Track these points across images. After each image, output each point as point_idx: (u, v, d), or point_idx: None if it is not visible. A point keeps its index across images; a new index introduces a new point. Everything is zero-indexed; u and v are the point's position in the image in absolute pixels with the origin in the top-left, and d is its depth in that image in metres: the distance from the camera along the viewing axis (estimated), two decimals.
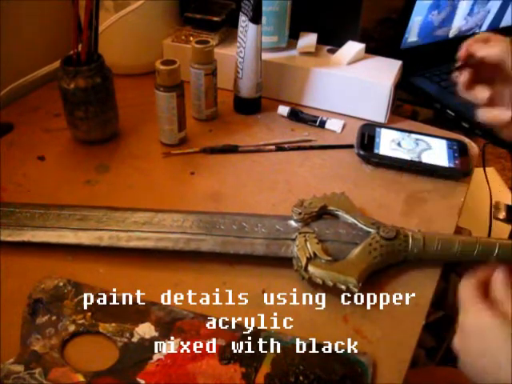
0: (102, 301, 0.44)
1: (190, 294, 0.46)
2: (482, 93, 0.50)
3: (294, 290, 0.47)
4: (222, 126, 0.71)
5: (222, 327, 0.43)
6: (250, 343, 0.41)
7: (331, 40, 0.77)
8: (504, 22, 0.97)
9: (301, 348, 0.41)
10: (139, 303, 0.44)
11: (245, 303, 0.46)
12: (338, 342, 0.42)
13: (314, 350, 0.41)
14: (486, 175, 0.73)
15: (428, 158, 0.63)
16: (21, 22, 0.72)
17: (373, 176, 0.63)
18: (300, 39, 0.77)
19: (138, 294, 0.45)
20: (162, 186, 0.60)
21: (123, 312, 0.44)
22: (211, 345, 0.41)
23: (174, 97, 0.61)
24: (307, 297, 0.47)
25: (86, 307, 0.44)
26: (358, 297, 0.46)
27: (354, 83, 0.71)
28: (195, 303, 0.45)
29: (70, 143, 0.66)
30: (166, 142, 0.66)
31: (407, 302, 0.47)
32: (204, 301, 0.46)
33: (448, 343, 0.95)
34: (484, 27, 0.95)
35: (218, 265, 0.49)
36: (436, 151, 0.65)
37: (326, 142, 0.68)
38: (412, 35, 0.83)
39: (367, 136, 0.66)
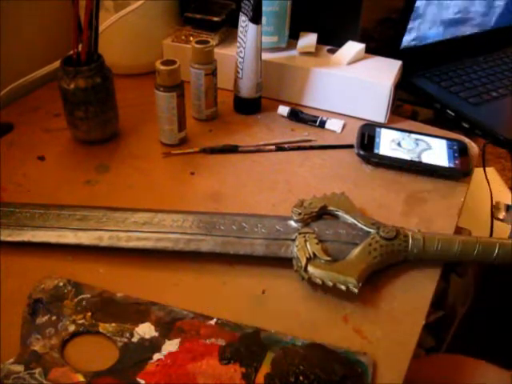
0: (102, 301, 0.44)
1: (190, 294, 0.47)
2: None
3: (294, 290, 0.47)
4: (222, 126, 0.71)
5: (222, 327, 0.43)
6: (250, 343, 0.41)
7: (331, 40, 0.77)
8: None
9: (301, 348, 0.41)
10: (139, 303, 0.44)
11: (245, 303, 0.46)
12: (337, 342, 0.42)
13: (314, 350, 0.41)
14: (486, 175, 0.73)
15: (428, 158, 0.63)
16: (21, 22, 0.72)
17: (373, 176, 0.63)
18: (300, 39, 0.77)
19: (138, 294, 0.45)
20: (162, 186, 0.60)
21: (123, 312, 0.44)
22: (211, 345, 0.41)
23: (174, 97, 0.61)
24: (307, 297, 0.47)
25: (85, 307, 0.44)
26: (358, 297, 0.46)
27: (354, 83, 0.71)
28: (195, 303, 0.45)
29: (70, 143, 0.66)
30: (166, 141, 0.66)
31: (407, 302, 0.47)
32: (204, 301, 0.46)
33: (448, 343, 0.95)
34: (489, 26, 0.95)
35: (217, 265, 0.49)
36: (436, 151, 0.65)
37: (326, 142, 0.68)
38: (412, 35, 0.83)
39: (367, 136, 0.66)
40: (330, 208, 0.53)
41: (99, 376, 0.39)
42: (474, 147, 0.68)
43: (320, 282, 0.46)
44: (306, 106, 0.75)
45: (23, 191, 0.57)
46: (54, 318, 0.43)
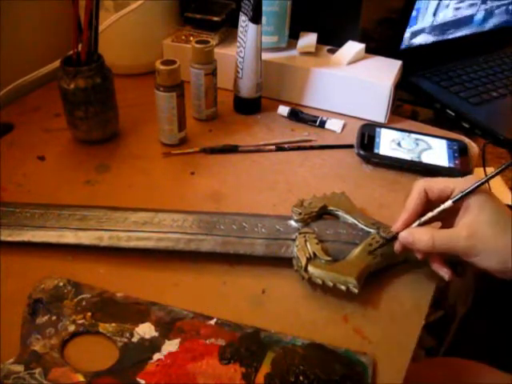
0: (102, 301, 0.44)
1: (190, 294, 0.47)
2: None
3: (294, 290, 0.47)
4: (222, 126, 0.71)
5: (222, 327, 0.43)
6: (250, 343, 0.41)
7: (331, 40, 0.77)
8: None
9: (301, 348, 0.41)
10: (139, 303, 0.44)
11: (245, 303, 0.46)
12: (337, 342, 0.42)
13: (314, 350, 0.41)
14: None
15: (428, 158, 0.63)
16: (21, 22, 0.72)
17: (373, 176, 0.63)
18: (300, 39, 0.77)
19: (138, 294, 0.45)
20: (162, 186, 0.60)
21: (123, 312, 0.44)
22: (211, 345, 0.41)
23: (174, 97, 0.61)
24: (307, 297, 0.47)
25: (85, 307, 0.44)
26: (358, 297, 0.46)
27: (354, 83, 0.71)
28: (195, 303, 0.45)
29: (70, 143, 0.66)
30: (166, 142, 0.66)
31: (407, 302, 0.47)
32: (204, 301, 0.46)
33: (448, 343, 0.95)
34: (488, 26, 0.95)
35: (217, 265, 0.49)
36: (436, 151, 0.65)
37: (325, 142, 0.68)
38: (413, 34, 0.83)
39: (367, 136, 0.66)
40: (330, 208, 0.53)
41: (99, 376, 0.39)
42: (474, 147, 0.68)
43: (320, 282, 0.46)
44: (306, 106, 0.75)
45: (23, 191, 0.57)
46: (53, 317, 0.43)
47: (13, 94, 0.73)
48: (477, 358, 0.66)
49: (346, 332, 0.44)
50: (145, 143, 0.66)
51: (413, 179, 0.61)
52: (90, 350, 0.41)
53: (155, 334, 0.42)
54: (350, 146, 0.66)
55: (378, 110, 0.71)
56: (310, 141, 0.68)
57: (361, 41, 0.75)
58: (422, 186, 0.46)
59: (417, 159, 0.63)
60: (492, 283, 0.85)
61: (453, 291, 0.96)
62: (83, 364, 0.40)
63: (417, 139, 0.67)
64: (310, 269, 0.46)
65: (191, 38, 0.77)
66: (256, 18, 0.65)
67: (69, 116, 0.63)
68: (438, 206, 0.45)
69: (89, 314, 0.43)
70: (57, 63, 0.63)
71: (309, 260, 0.47)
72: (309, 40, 0.76)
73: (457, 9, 0.86)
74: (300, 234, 0.49)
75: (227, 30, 0.79)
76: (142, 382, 0.39)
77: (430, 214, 0.45)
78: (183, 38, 0.78)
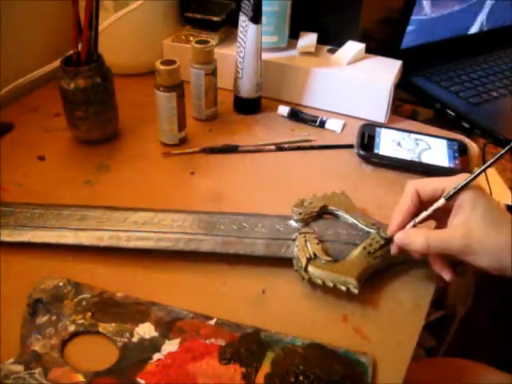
0: (102, 301, 0.44)
1: (189, 294, 0.46)
2: None
3: (294, 290, 0.47)
4: (222, 126, 0.71)
5: (221, 327, 0.43)
6: (250, 343, 0.41)
7: (331, 40, 0.77)
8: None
9: (301, 348, 0.41)
10: (139, 303, 0.44)
11: (245, 303, 0.46)
12: (337, 342, 0.42)
13: (314, 350, 0.41)
14: (486, 175, 0.73)
15: (428, 158, 0.63)
16: (21, 21, 0.72)
17: (373, 176, 0.63)
18: (300, 39, 0.77)
19: (138, 294, 0.45)
20: (162, 186, 0.60)
21: (123, 312, 0.44)
22: (211, 345, 0.41)
23: (174, 97, 0.61)
24: (307, 297, 0.47)
25: (85, 307, 0.44)
26: (358, 297, 0.46)
27: (354, 83, 0.71)
28: (195, 303, 0.45)
29: (70, 143, 0.66)
30: (166, 142, 0.66)
31: (407, 302, 0.47)
32: (204, 301, 0.46)
33: (448, 343, 0.95)
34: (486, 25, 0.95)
35: (217, 265, 0.49)
36: (436, 151, 0.65)
37: (325, 142, 0.68)
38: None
39: (367, 136, 0.66)
40: (331, 208, 0.53)
41: (99, 376, 0.39)
42: (474, 147, 0.68)
43: (320, 283, 0.46)
44: (306, 106, 0.75)
45: (23, 191, 0.57)
46: (53, 317, 0.43)
47: (13, 93, 0.73)
48: (477, 358, 0.66)
49: (345, 332, 0.44)
50: (145, 143, 0.66)
51: (413, 179, 0.62)
52: (90, 350, 0.41)
53: (155, 333, 0.42)
54: (350, 146, 0.66)
55: (377, 110, 0.71)
56: (309, 141, 0.68)
57: (361, 41, 0.75)
58: (413, 187, 0.46)
59: (417, 159, 0.63)
60: (492, 283, 0.85)
61: (453, 291, 0.96)
62: (83, 364, 0.40)
63: (417, 139, 0.67)
64: (310, 269, 0.46)
65: (191, 38, 0.77)
66: (256, 18, 0.65)
67: (69, 116, 0.63)
68: (431, 206, 0.45)
69: (89, 314, 0.43)
70: (57, 63, 0.63)
71: (309, 260, 0.47)
72: (309, 40, 0.76)
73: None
74: (300, 233, 0.49)
75: (227, 30, 0.79)
76: (142, 382, 0.39)
77: (423, 214, 0.45)
78: (183, 38, 0.78)
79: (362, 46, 0.74)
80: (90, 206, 0.53)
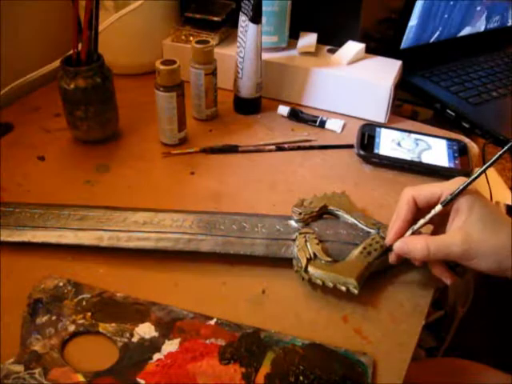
0: (102, 301, 0.44)
1: (189, 294, 0.47)
2: None
3: (294, 290, 0.47)
4: (222, 126, 0.71)
5: (222, 327, 0.43)
6: (249, 343, 0.41)
7: (331, 40, 0.77)
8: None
9: (301, 348, 0.41)
10: (139, 303, 0.44)
11: (245, 303, 0.46)
12: (337, 342, 0.42)
13: (314, 350, 0.41)
14: (486, 175, 0.73)
15: (428, 158, 0.63)
16: (21, 21, 0.72)
17: (373, 176, 0.63)
18: (300, 39, 0.77)
19: (138, 294, 0.45)
20: (162, 186, 0.60)
21: (123, 312, 0.44)
22: (211, 345, 0.41)
23: (174, 97, 0.61)
24: (307, 297, 0.47)
25: (85, 307, 0.44)
26: (358, 297, 0.46)
27: (353, 83, 0.71)
28: (195, 303, 0.45)
29: (70, 143, 0.66)
30: (166, 141, 0.66)
31: (407, 302, 0.47)
32: (204, 301, 0.46)
33: (448, 343, 0.95)
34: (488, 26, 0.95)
35: (218, 265, 0.49)
36: (436, 151, 0.65)
37: (325, 142, 0.68)
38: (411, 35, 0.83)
39: (367, 136, 0.66)
40: (331, 208, 0.53)
41: (99, 376, 0.39)
42: (474, 147, 0.68)
43: (320, 283, 0.46)
44: (306, 106, 0.75)
45: (23, 191, 0.57)
46: (53, 317, 0.43)
47: (13, 93, 0.73)
48: (477, 358, 0.66)
49: (345, 332, 0.44)
50: (145, 143, 0.66)
51: (413, 179, 0.62)
52: (90, 349, 0.41)
53: (155, 334, 0.42)
54: (350, 146, 0.66)
55: (377, 110, 0.71)
56: (309, 141, 0.68)
57: (361, 41, 0.75)
58: (409, 194, 0.45)
59: (417, 159, 0.63)
60: (492, 283, 0.85)
61: (453, 291, 0.96)
62: (83, 364, 0.40)
63: (417, 139, 0.67)
64: (310, 269, 0.46)
65: (191, 38, 0.76)
66: (256, 18, 0.65)
67: (69, 116, 0.63)
68: (429, 212, 0.44)
69: (89, 314, 0.43)
70: (57, 63, 0.63)
71: (309, 260, 0.47)
72: (309, 40, 0.76)
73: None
74: (300, 234, 0.49)
75: (227, 30, 0.79)
76: (142, 382, 0.39)
77: (421, 221, 0.45)
78: (183, 38, 0.78)
79: (361, 46, 0.74)
80: (90, 206, 0.53)
